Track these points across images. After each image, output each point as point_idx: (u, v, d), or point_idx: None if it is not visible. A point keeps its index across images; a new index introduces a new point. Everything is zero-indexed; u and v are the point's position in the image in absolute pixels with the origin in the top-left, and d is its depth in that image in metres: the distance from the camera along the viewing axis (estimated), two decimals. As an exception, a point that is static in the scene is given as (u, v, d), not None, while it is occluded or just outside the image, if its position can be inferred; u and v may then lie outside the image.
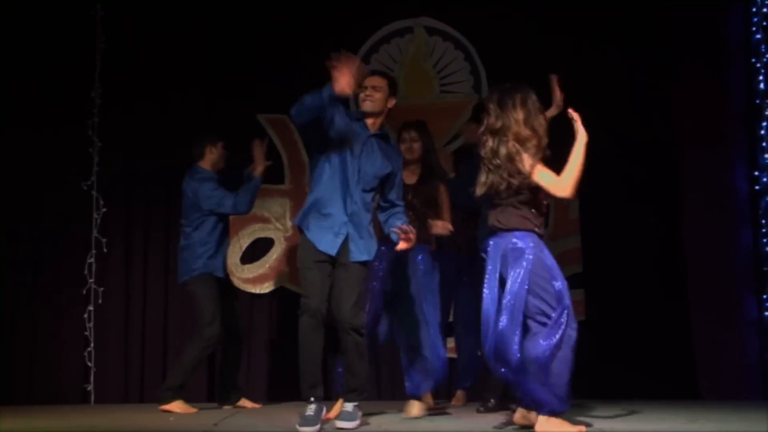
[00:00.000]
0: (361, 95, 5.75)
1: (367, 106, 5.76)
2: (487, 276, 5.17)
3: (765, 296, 7.90)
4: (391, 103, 5.86)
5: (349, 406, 5.59)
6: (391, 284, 6.49)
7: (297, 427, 5.29)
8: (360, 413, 5.61)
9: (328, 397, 5.92)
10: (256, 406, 7.22)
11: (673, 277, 8.09)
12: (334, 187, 5.62)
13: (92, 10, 8.04)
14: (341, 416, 5.56)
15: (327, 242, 5.56)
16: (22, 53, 7.93)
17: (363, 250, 5.62)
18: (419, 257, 6.49)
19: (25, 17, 7.88)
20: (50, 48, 8.00)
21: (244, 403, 7.23)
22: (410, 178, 6.61)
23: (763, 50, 8.08)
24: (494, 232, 5.22)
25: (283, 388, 7.72)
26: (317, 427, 5.33)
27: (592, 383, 7.34)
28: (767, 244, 7.92)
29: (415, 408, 6.31)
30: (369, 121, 5.78)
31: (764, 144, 8.01)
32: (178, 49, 8.09)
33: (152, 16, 8.07)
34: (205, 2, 8.15)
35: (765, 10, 8.08)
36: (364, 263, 5.65)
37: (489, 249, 5.22)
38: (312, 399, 5.45)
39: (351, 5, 8.29)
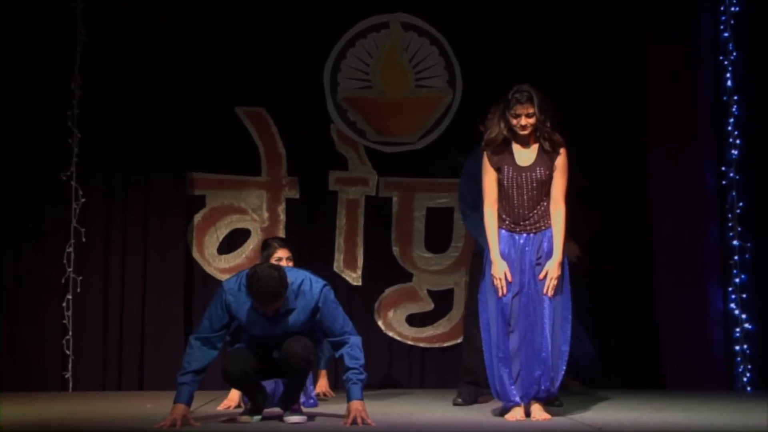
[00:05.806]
0: None
1: None
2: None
3: (731, 289, 8.05)
4: None
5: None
6: None
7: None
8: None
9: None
10: None
11: (641, 269, 8.22)
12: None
13: (72, 3, 8.04)
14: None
15: None
16: (2, 46, 7.95)
17: None
18: None
19: (5, 10, 7.90)
20: (31, 41, 7.99)
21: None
22: None
23: (731, 48, 8.22)
24: None
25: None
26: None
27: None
28: (733, 238, 8.07)
29: None
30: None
31: (731, 140, 8.17)
32: (157, 43, 8.12)
33: (131, 10, 8.09)
34: (184, -4, 8.22)
35: (733, 9, 8.24)
36: None
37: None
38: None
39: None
